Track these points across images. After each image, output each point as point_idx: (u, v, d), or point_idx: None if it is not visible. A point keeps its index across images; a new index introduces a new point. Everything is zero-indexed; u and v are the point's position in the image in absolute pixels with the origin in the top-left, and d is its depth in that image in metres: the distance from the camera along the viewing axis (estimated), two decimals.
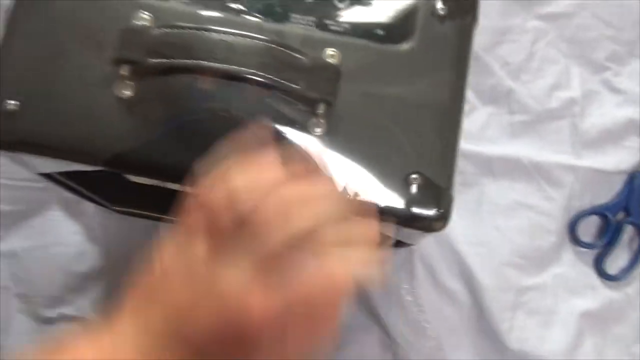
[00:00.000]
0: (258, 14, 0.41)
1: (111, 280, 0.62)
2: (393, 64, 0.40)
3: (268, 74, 0.35)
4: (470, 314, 0.61)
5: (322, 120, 0.38)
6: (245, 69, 0.35)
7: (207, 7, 0.40)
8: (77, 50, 0.38)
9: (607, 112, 0.65)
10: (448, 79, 0.40)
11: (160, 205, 0.58)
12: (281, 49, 0.36)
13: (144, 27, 0.37)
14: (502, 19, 0.66)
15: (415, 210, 0.38)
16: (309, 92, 0.36)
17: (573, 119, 0.64)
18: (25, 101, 0.37)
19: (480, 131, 0.64)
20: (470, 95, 0.65)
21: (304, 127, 0.38)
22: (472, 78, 0.65)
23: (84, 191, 0.53)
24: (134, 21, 0.38)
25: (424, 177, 0.38)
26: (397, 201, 0.37)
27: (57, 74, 0.38)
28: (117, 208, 0.61)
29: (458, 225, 0.62)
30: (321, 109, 0.37)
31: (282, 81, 0.36)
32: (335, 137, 0.38)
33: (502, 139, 0.64)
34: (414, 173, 0.38)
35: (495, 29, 0.66)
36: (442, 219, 0.38)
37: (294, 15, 0.41)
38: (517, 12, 0.67)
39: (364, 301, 0.61)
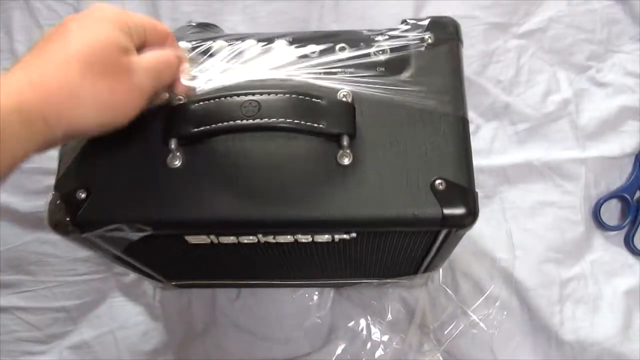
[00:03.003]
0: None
1: (178, 352, 0.66)
2: (399, 90, 0.45)
3: (294, 120, 0.41)
4: (522, 316, 0.64)
5: (348, 151, 0.43)
6: (274, 120, 0.41)
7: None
8: (132, 137, 0.44)
9: (600, 104, 0.70)
10: (448, 91, 0.45)
11: (213, 272, 0.64)
12: (301, 97, 0.42)
13: (181, 105, 0.43)
14: (485, 44, 0.72)
15: (447, 211, 0.42)
16: (331, 129, 0.42)
17: (570, 117, 0.69)
18: (94, 189, 0.43)
19: (489, 146, 0.69)
20: (473, 116, 0.71)
21: (333, 161, 0.43)
22: (471, 100, 0.71)
23: (146, 269, 0.58)
24: (172, 102, 0.44)
25: (447, 181, 0.42)
26: (429, 208, 0.42)
27: (119, 159, 0.44)
28: (174, 283, 0.66)
29: (489, 235, 0.66)
30: (345, 141, 0.42)
31: (307, 123, 0.41)
32: (363, 164, 0.43)
33: (511, 148, 0.69)
34: (437, 179, 0.42)
35: (482, 54, 0.72)
36: (471, 214, 0.42)
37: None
38: (497, 36, 0.73)
39: (423, 325, 0.64)
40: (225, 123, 0.41)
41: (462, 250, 0.65)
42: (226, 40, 0.47)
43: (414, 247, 0.51)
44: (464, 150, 0.44)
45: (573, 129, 0.69)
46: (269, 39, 0.47)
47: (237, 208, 0.43)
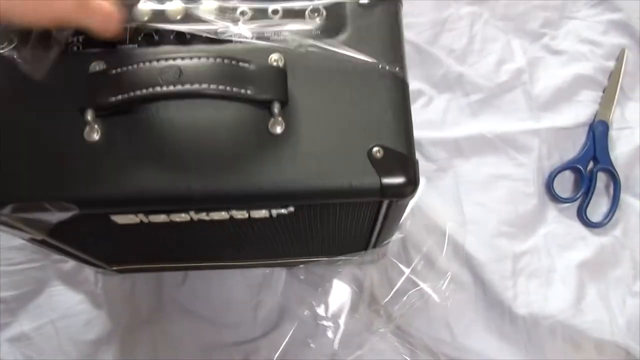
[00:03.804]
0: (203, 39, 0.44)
1: (122, 340, 0.63)
2: (334, 53, 0.43)
3: (219, 86, 0.38)
4: (475, 291, 0.63)
5: (280, 119, 0.40)
6: (197, 87, 0.38)
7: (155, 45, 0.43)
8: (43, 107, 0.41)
9: (554, 73, 0.68)
10: (386, 54, 0.42)
11: (153, 255, 0.61)
12: (227, 61, 0.39)
13: (97, 73, 0.40)
14: (437, 12, 0.70)
15: (385, 180, 0.40)
16: (260, 95, 0.39)
17: (524, 86, 0.68)
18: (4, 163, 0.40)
19: (442, 118, 0.67)
20: (425, 87, 0.69)
21: (264, 130, 0.40)
22: (423, 71, 0.69)
23: (81, 254, 0.55)
24: (91, 70, 0.41)
25: (386, 148, 0.40)
26: (367, 177, 0.40)
27: (31, 133, 0.40)
28: (116, 268, 0.63)
29: (442, 209, 0.64)
30: (276, 108, 0.40)
31: (233, 89, 0.38)
32: (296, 132, 0.40)
33: (464, 120, 0.67)
34: (375, 146, 0.40)
35: (434, 22, 0.70)
36: (411, 183, 0.40)
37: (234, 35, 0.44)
38: (449, 3, 0.71)
39: (373, 303, 0.62)
40: (144, 90, 0.38)
41: (415, 224, 0.63)
42: None
43: (358, 221, 0.49)
44: (403, 116, 0.42)
45: (527, 99, 0.67)
46: None
47: (163, 183, 0.40)
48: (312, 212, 0.46)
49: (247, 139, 0.41)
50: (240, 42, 0.43)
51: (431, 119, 0.67)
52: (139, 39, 0.44)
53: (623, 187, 0.65)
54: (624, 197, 0.65)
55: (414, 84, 0.68)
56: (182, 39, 0.44)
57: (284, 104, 0.40)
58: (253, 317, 0.63)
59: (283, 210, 0.44)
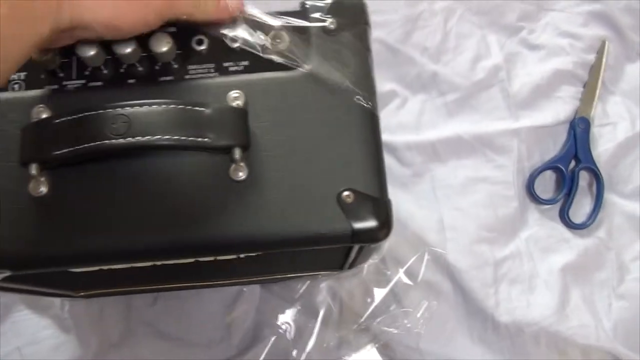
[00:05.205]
0: (157, 76, 0.40)
1: None
2: (299, 88, 0.39)
3: (172, 136, 0.35)
4: (456, 300, 0.61)
5: (242, 164, 0.37)
6: (148, 138, 0.34)
7: (104, 87, 0.40)
8: None
9: (533, 69, 0.66)
10: (355, 85, 0.39)
11: (121, 282, 0.58)
12: (181, 107, 0.36)
13: (39, 122, 0.37)
14: (408, 8, 0.67)
15: (357, 225, 0.37)
16: (218, 142, 0.36)
17: (502, 84, 0.65)
18: None
19: (417, 120, 0.65)
20: (399, 88, 0.66)
21: (226, 177, 0.37)
22: (397, 71, 0.66)
23: (44, 290, 0.52)
24: (33, 118, 0.37)
25: (356, 192, 0.37)
26: (337, 223, 0.37)
27: None
28: (82, 294, 0.60)
29: (420, 216, 0.62)
30: (237, 154, 0.37)
31: (189, 138, 0.35)
32: (260, 177, 0.38)
33: (440, 122, 0.65)
34: (345, 190, 0.37)
35: (406, 19, 0.66)
36: (384, 227, 0.38)
37: (191, 67, 0.41)
38: None
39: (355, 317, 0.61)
40: (92, 144, 0.35)
41: (393, 234, 0.61)
42: None
43: (330, 256, 0.47)
44: (374, 154, 0.39)
45: (505, 97, 0.64)
46: None
47: (117, 238, 0.37)
48: (281, 253, 0.43)
49: (207, 187, 0.38)
50: (199, 78, 0.40)
51: (406, 121, 0.64)
52: (86, 73, 0.41)
53: (606, 185, 0.63)
54: (608, 196, 0.63)
55: (386, 85, 0.65)
56: (134, 73, 0.41)
57: (245, 148, 0.37)
58: (227, 335, 0.61)
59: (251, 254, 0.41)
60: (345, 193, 0.37)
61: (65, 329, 0.61)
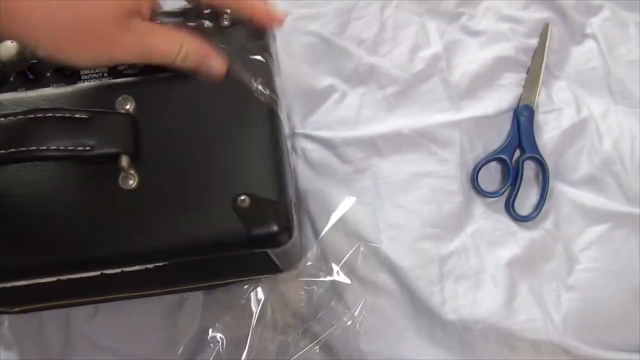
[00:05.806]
0: (49, 83, 0.39)
1: None
2: (194, 90, 0.38)
3: (50, 147, 0.33)
4: (403, 299, 0.59)
5: (131, 172, 0.36)
6: (25, 149, 0.33)
7: None
8: None
9: (473, 57, 0.64)
10: (255, 82, 0.37)
11: (55, 295, 0.56)
12: (59, 115, 0.34)
13: None
14: None
15: (255, 231, 0.36)
16: (102, 150, 0.34)
17: (442, 74, 0.63)
18: None
19: (356, 114, 0.63)
20: (336, 82, 0.64)
21: (116, 186, 0.36)
22: (333, 65, 0.64)
23: None
24: None
25: (253, 196, 0.36)
26: (232, 229, 0.35)
27: None
28: (18, 309, 0.58)
29: (362, 214, 0.60)
30: (124, 162, 0.35)
31: (71, 147, 0.34)
32: (151, 185, 0.36)
33: (380, 116, 0.63)
34: (240, 195, 0.36)
35: (340, 11, 0.64)
36: (285, 231, 0.36)
37: (83, 71, 0.39)
38: None
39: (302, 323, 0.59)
40: None
41: (335, 233, 0.60)
42: None
43: (261, 260, 0.45)
44: (272, 155, 0.37)
45: (445, 88, 0.62)
46: None
47: (7, 258, 0.35)
48: (187, 263, 0.41)
49: (97, 197, 0.36)
50: (92, 81, 0.38)
51: (345, 116, 0.62)
52: None
53: (553, 174, 0.61)
54: (555, 184, 0.61)
55: (324, 80, 0.63)
56: (26, 78, 0.39)
57: (134, 155, 0.35)
58: (171, 345, 0.59)
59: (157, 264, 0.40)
60: (241, 198, 0.36)
61: (7, 345, 0.60)
